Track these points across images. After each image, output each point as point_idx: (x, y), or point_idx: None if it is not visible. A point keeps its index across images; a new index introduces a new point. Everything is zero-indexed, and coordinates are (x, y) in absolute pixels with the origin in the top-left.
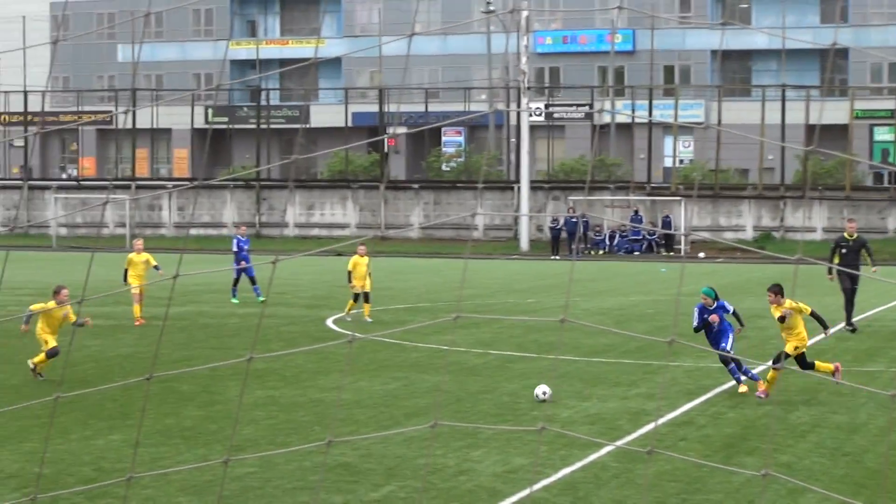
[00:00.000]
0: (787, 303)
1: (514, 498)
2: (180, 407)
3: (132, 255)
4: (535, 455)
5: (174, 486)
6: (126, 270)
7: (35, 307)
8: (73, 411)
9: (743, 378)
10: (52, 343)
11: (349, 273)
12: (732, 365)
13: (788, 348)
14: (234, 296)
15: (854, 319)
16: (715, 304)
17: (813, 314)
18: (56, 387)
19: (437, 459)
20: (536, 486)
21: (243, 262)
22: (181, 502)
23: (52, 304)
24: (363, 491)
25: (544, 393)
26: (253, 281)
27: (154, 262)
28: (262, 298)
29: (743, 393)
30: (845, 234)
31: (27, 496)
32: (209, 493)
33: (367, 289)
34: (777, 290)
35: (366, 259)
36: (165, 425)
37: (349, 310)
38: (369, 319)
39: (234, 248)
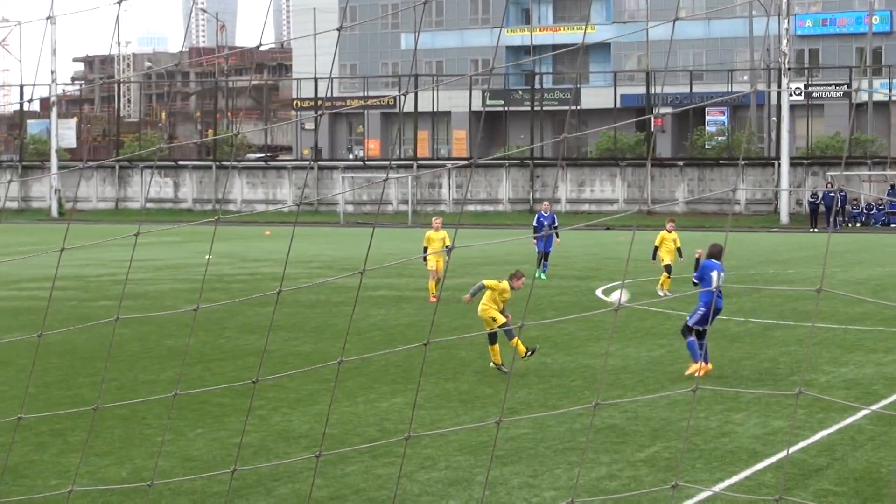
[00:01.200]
0: None
1: (773, 458)
2: (459, 372)
3: (430, 233)
4: (793, 418)
5: (452, 446)
6: (425, 248)
7: (489, 283)
8: (359, 376)
9: None
10: (500, 318)
11: (655, 248)
12: None
13: None
14: (543, 271)
15: None
16: None
17: None
18: (342, 353)
19: (699, 422)
20: (794, 448)
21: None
22: (458, 461)
23: (504, 284)
24: (630, 451)
25: (619, 300)
26: (546, 257)
27: (448, 242)
28: (544, 277)
29: None
30: None
31: (314, 454)
32: (484, 453)
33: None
34: None
35: (674, 234)
36: (444, 389)
37: (661, 284)
38: (668, 294)
39: (535, 224)
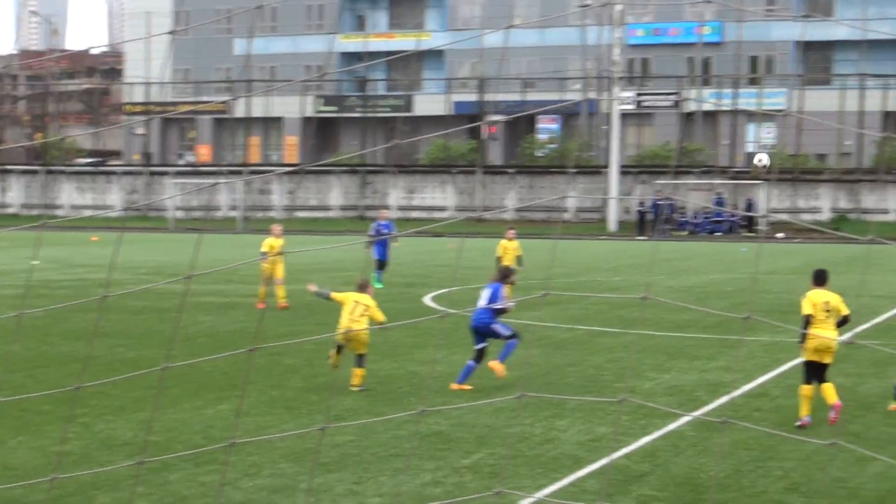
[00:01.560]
0: None
1: (597, 465)
2: (284, 379)
3: (270, 239)
4: (617, 424)
5: (277, 453)
6: (264, 253)
7: (339, 297)
8: (185, 383)
9: None
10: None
11: (498, 258)
12: None
13: None
14: (378, 279)
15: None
16: None
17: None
18: (166, 359)
19: (524, 428)
20: (617, 454)
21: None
22: (283, 468)
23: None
24: (454, 458)
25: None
26: (382, 265)
27: (285, 251)
28: (380, 285)
29: None
30: None
31: (137, 461)
32: (309, 460)
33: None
34: None
35: (515, 243)
36: (270, 396)
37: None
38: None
39: (373, 233)
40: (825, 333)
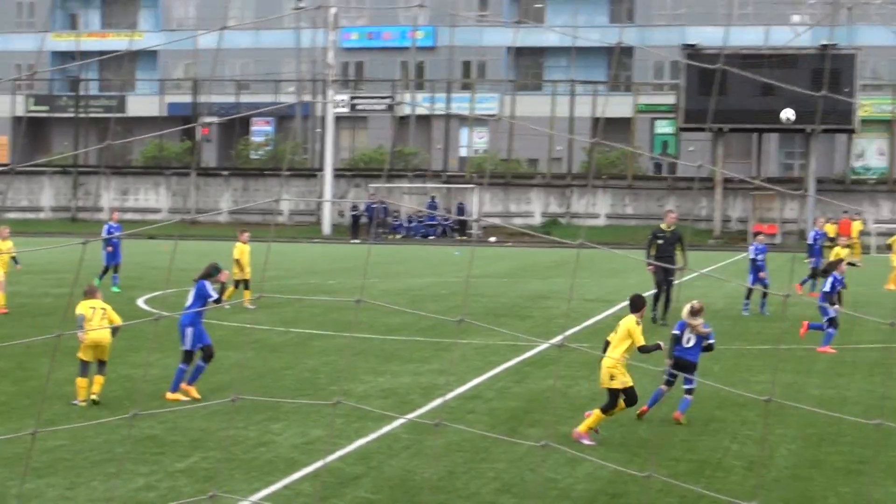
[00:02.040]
0: None
1: (311, 468)
2: None
3: None
4: (332, 427)
5: None
6: None
7: None
8: None
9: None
10: None
11: (236, 261)
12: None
13: None
14: (115, 283)
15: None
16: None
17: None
18: None
19: (239, 432)
20: (332, 457)
21: (111, 248)
22: None
23: None
24: (168, 462)
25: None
26: (116, 269)
27: (14, 252)
28: (117, 289)
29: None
30: (662, 226)
31: None
32: (20, 465)
33: (247, 276)
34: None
35: (248, 246)
36: None
37: (230, 296)
38: (252, 306)
39: (105, 235)
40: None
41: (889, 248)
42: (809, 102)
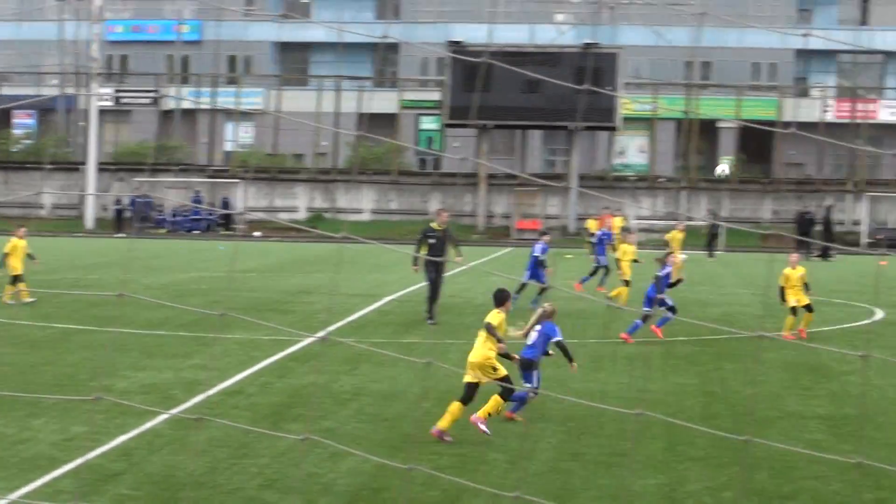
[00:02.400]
0: None
1: (72, 464)
2: None
3: None
4: (92, 423)
5: None
6: None
7: None
8: None
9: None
10: None
11: (5, 255)
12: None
13: None
14: None
15: (396, 295)
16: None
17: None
18: None
19: None
20: (92, 454)
21: None
22: None
23: None
24: None
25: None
26: None
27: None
28: None
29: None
30: (433, 225)
31: None
32: None
33: (20, 271)
34: None
35: (24, 242)
36: None
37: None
38: (31, 299)
39: None
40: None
41: (666, 244)
42: (572, 100)
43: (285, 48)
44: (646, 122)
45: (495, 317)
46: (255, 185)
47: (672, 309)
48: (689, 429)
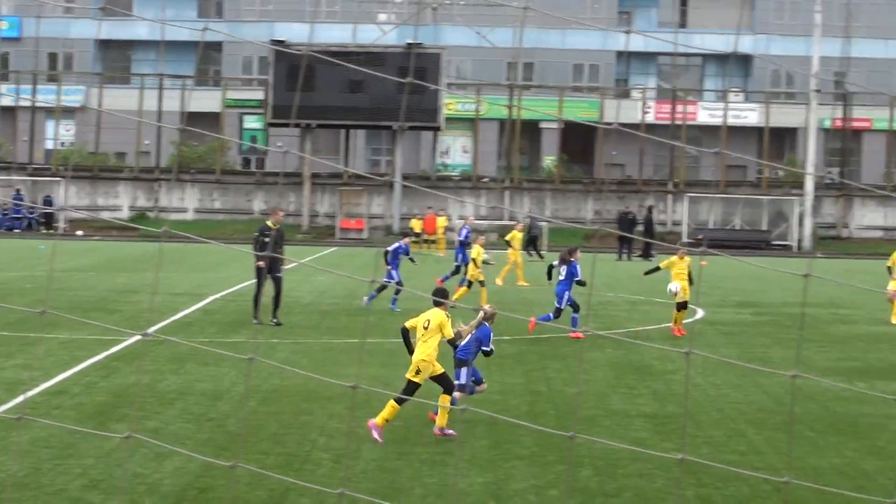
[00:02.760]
0: None
1: None
2: None
3: None
4: None
5: None
6: None
7: None
8: None
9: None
10: None
11: None
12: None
13: None
14: None
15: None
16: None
17: None
18: None
19: None
20: None
21: None
22: None
23: None
24: None
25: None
26: None
27: None
28: None
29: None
30: (269, 223)
31: None
32: None
33: None
34: None
35: None
36: None
37: None
38: None
39: None
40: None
41: (508, 244)
42: (396, 100)
43: (107, 46)
44: (469, 123)
45: (441, 317)
46: (76, 184)
47: (559, 311)
48: (514, 427)
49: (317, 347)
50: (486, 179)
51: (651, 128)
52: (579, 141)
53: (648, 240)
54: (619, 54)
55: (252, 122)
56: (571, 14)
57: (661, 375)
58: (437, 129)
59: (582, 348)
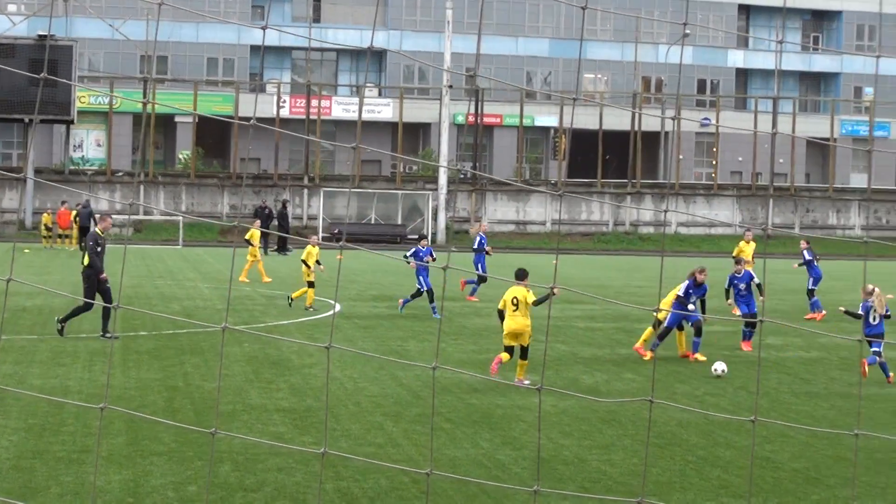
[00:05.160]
0: None
1: None
2: None
3: None
4: None
5: None
6: None
7: None
8: None
9: None
10: None
11: None
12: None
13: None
14: None
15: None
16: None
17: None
18: None
19: None
20: None
21: None
22: None
23: None
24: None
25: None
26: None
27: None
28: None
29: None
30: (98, 230)
31: None
32: None
33: None
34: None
35: None
36: None
37: None
38: None
39: None
40: (513, 322)
41: (249, 244)
42: (28, 93)
43: None
44: (102, 116)
45: (522, 291)
46: None
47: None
48: (152, 424)
49: None
50: (120, 174)
51: (287, 122)
52: (214, 135)
53: (283, 234)
54: (254, 48)
55: None
56: (205, 8)
57: (298, 370)
58: (70, 122)
59: (221, 342)
